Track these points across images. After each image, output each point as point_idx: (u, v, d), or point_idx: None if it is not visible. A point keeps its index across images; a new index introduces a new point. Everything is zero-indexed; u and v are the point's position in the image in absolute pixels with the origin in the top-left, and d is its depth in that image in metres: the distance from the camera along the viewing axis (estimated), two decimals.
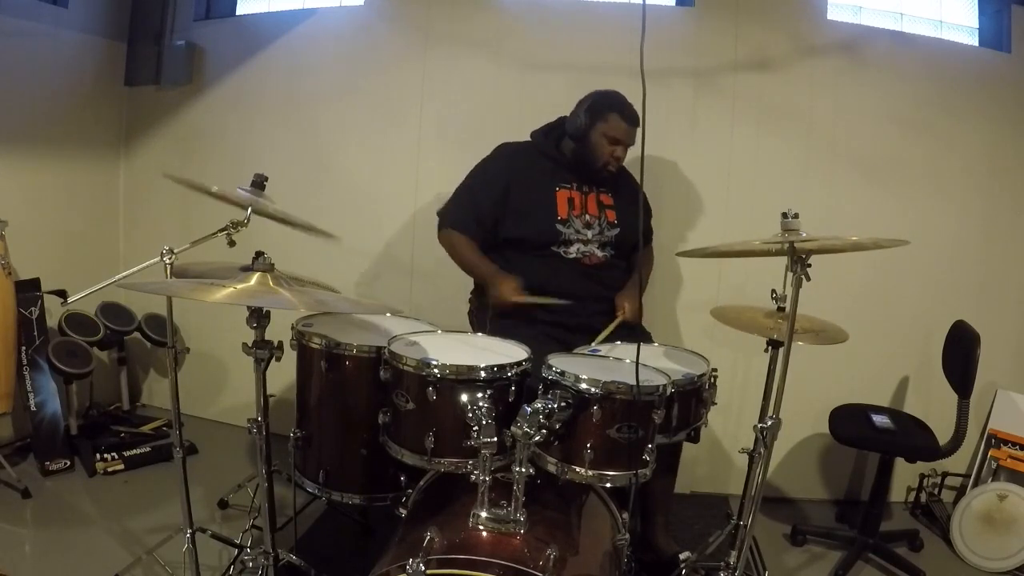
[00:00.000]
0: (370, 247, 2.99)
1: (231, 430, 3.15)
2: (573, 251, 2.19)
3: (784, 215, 1.55)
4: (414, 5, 2.87)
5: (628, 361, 1.61)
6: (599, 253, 2.22)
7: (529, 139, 2.33)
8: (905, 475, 2.80)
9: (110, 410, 3.10)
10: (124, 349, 3.12)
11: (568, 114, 2.27)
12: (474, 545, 1.35)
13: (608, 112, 2.17)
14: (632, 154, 2.43)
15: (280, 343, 1.55)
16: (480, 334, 1.94)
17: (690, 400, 1.78)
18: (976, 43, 2.84)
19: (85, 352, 2.80)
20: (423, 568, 1.25)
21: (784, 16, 2.70)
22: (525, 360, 1.61)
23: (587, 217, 2.22)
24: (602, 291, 2.22)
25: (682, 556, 1.98)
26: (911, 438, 2.35)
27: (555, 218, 2.18)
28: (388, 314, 2.08)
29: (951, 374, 2.32)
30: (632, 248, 2.29)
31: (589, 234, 2.21)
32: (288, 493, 1.96)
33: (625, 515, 1.64)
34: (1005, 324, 2.75)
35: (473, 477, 1.39)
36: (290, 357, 1.70)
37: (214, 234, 1.70)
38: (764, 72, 2.69)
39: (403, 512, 1.61)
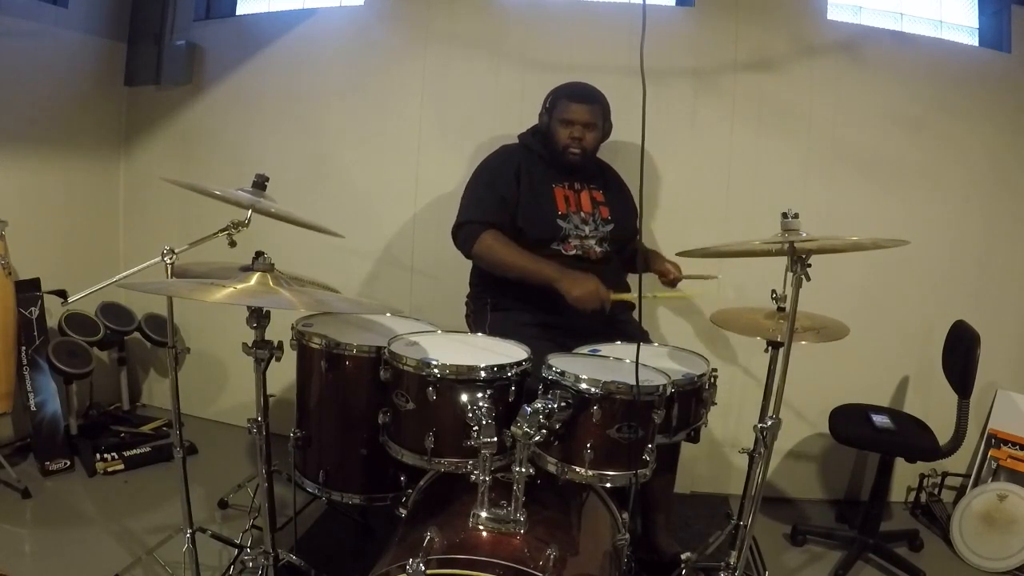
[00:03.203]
0: (370, 247, 2.99)
1: (231, 430, 3.15)
2: (572, 248, 2.19)
3: (784, 215, 1.56)
4: (414, 5, 2.88)
5: (628, 361, 1.61)
6: (597, 249, 2.22)
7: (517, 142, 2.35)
8: (905, 475, 2.80)
9: (110, 410, 3.10)
10: (124, 349, 3.12)
11: None
12: (474, 545, 1.35)
13: (559, 99, 2.24)
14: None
15: (280, 343, 1.55)
16: (480, 334, 1.94)
17: (690, 400, 1.78)
18: (976, 43, 2.84)
19: (85, 352, 2.80)
20: (423, 568, 1.25)
21: (784, 16, 2.70)
22: (525, 360, 1.61)
23: (582, 214, 2.23)
24: None
25: (683, 556, 1.98)
26: (911, 438, 2.35)
27: (556, 213, 2.19)
28: (388, 314, 2.08)
29: (951, 374, 2.32)
30: (627, 241, 2.30)
31: (586, 230, 2.21)
32: (288, 493, 1.96)
33: (625, 515, 1.64)
34: (1005, 324, 2.75)
35: (473, 477, 1.40)
36: (290, 357, 1.70)
37: (215, 234, 1.70)
38: (764, 72, 2.69)
39: (403, 512, 1.61)
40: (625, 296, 2.10)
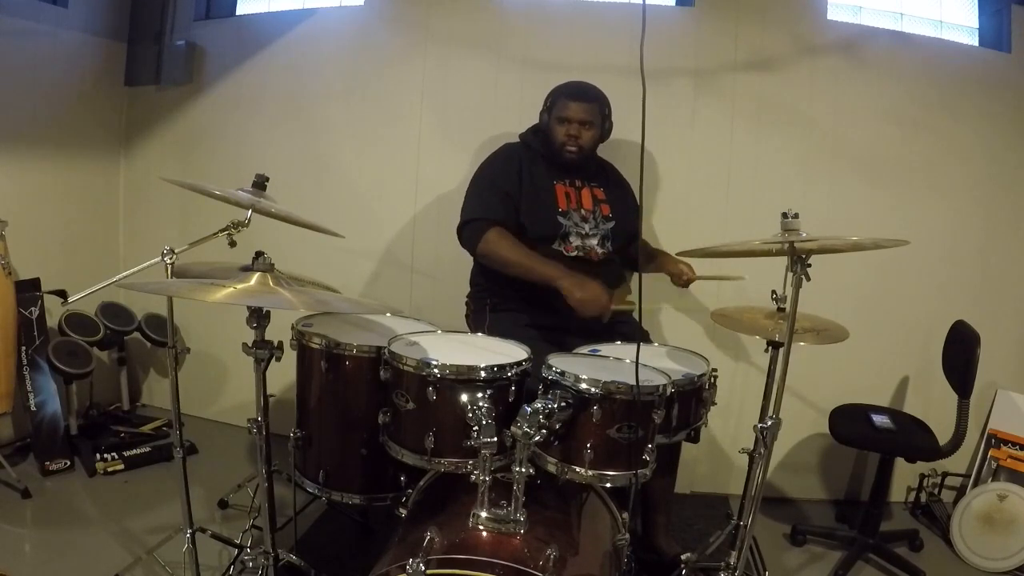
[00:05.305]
0: (370, 247, 2.99)
1: (231, 430, 3.15)
2: (573, 247, 2.19)
3: (784, 215, 1.56)
4: (414, 5, 2.87)
5: (628, 361, 1.61)
6: (599, 249, 2.22)
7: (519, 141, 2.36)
8: (905, 475, 2.80)
9: (110, 410, 3.10)
10: (124, 349, 3.12)
11: None
12: (474, 545, 1.35)
13: (558, 98, 2.26)
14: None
15: (280, 343, 1.55)
16: (480, 334, 1.94)
17: (690, 400, 1.78)
18: (976, 43, 2.84)
19: (85, 352, 2.80)
20: (423, 568, 1.25)
21: (784, 16, 2.69)
22: (525, 360, 1.61)
23: (583, 211, 2.23)
24: None
25: (683, 557, 1.98)
26: (911, 438, 2.35)
27: (556, 210, 2.20)
28: (388, 314, 2.08)
29: (951, 374, 2.32)
30: (629, 240, 2.30)
31: (586, 228, 2.22)
32: (288, 493, 1.96)
33: (625, 515, 1.64)
34: (1005, 324, 2.74)
35: (473, 477, 1.39)
36: (290, 357, 1.70)
37: (215, 234, 1.70)
38: (764, 72, 2.69)
39: (403, 512, 1.61)
40: (625, 307, 2.08)
